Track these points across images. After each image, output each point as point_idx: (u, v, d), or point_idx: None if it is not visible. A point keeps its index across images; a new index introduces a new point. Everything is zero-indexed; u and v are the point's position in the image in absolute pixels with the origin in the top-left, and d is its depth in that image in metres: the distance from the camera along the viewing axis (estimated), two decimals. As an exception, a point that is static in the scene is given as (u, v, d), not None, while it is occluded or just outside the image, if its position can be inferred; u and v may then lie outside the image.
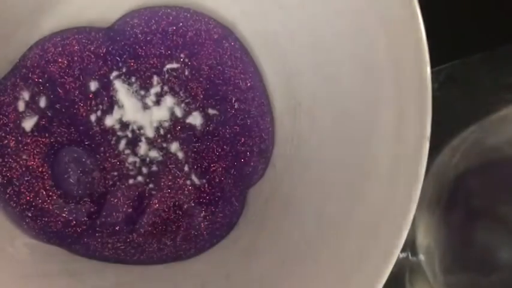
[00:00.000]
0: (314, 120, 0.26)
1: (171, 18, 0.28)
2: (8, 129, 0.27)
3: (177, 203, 0.28)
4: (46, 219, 0.27)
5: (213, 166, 0.28)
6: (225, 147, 0.28)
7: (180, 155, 0.28)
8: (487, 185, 0.25)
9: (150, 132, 0.28)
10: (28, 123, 0.27)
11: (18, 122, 0.27)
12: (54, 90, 0.28)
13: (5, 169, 0.27)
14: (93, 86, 0.28)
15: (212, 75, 0.28)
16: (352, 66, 0.23)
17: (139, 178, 0.28)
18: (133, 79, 0.28)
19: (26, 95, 0.27)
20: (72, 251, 0.27)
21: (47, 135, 0.27)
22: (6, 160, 0.27)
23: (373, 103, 0.22)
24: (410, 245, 0.26)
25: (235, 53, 0.28)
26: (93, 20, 0.28)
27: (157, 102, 0.28)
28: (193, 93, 0.28)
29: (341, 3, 0.23)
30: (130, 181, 0.28)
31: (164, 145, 0.28)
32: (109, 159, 0.28)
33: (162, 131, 0.28)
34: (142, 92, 0.28)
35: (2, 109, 0.27)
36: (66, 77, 0.28)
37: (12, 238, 0.27)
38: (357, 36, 0.22)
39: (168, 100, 0.28)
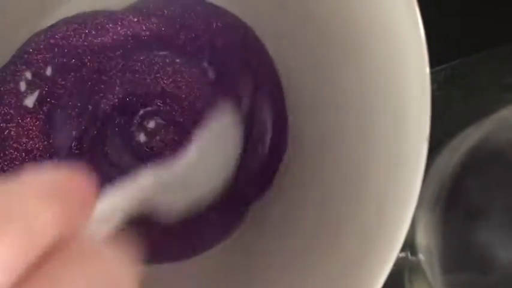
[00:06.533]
0: (314, 121, 0.26)
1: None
2: (8, 118, 0.27)
3: None
4: None
5: None
6: None
7: None
8: (487, 185, 0.25)
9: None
10: (30, 100, 0.28)
11: (19, 104, 0.27)
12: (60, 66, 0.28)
13: (6, 163, 0.27)
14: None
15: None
16: (351, 67, 0.23)
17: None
18: None
19: (28, 75, 0.27)
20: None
21: (46, 105, 0.28)
22: (7, 152, 0.27)
23: (373, 103, 0.22)
24: (409, 245, 0.26)
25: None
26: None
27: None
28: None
29: (340, 4, 0.23)
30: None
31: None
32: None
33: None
34: None
35: (3, 100, 0.27)
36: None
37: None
38: (356, 36, 0.22)
39: None
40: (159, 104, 0.28)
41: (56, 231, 0.11)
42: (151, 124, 0.28)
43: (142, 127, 0.28)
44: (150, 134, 0.28)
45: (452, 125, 0.26)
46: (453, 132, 0.26)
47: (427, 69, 0.20)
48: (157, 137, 0.28)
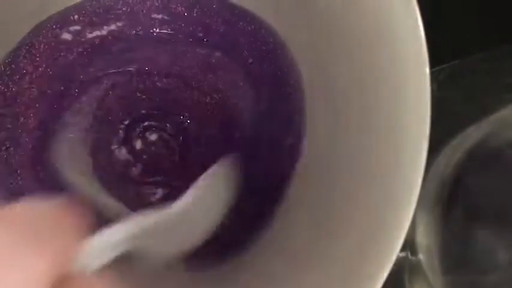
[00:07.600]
0: (314, 122, 0.26)
1: None
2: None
3: None
4: None
5: None
6: None
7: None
8: (487, 185, 0.25)
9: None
10: None
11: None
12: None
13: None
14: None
15: None
16: (351, 67, 0.23)
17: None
18: None
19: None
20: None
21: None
22: None
23: (373, 104, 0.22)
24: (409, 245, 0.26)
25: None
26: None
27: None
28: None
29: (340, 5, 0.23)
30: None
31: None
32: None
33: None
34: None
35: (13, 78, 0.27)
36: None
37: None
38: (356, 36, 0.22)
39: None
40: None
41: (50, 278, 0.11)
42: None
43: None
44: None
45: (452, 125, 0.26)
46: (453, 132, 0.26)
47: (427, 69, 0.20)
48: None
